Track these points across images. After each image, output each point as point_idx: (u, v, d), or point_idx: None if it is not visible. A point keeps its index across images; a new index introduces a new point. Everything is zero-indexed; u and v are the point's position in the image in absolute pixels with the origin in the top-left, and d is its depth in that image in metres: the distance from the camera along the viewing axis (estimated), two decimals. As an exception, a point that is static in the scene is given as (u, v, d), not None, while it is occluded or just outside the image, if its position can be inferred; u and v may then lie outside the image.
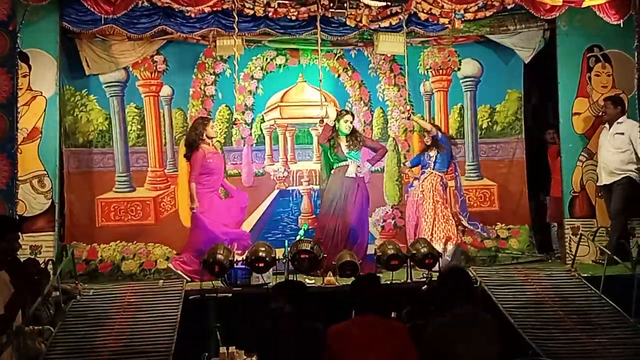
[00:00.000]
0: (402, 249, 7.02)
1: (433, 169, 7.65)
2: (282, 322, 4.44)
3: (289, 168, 8.67)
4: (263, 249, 6.75)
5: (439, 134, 7.72)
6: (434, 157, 7.63)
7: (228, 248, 6.93)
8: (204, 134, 7.34)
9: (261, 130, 8.68)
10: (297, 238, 7.27)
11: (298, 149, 8.74)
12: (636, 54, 7.50)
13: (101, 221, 8.16)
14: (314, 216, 8.42)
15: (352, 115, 7.55)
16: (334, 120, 7.67)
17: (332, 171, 7.51)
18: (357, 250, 7.32)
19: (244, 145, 8.59)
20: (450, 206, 7.70)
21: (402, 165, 8.65)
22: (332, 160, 7.55)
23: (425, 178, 7.60)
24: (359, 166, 7.48)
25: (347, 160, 7.47)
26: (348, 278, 6.49)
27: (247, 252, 6.82)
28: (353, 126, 7.58)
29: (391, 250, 6.84)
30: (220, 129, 8.49)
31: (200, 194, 7.33)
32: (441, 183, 7.61)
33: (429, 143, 7.71)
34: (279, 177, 8.71)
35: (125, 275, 7.83)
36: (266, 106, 8.67)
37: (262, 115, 8.64)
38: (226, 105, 8.54)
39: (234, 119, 8.32)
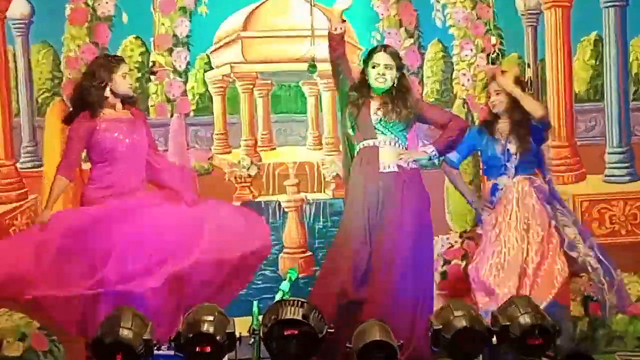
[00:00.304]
0: (479, 317, 4.47)
1: (514, 173, 5.33)
2: None
3: (259, 159, 6.34)
4: (209, 318, 4.39)
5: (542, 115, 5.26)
6: (516, 152, 5.29)
7: (141, 316, 4.37)
8: (108, 88, 5.05)
9: (205, 86, 6.34)
10: (278, 297, 4.75)
11: (278, 122, 6.45)
12: None
13: None
14: (308, 254, 6.29)
15: (397, 55, 5.24)
16: (359, 64, 5.48)
17: (354, 160, 5.24)
18: (399, 316, 4.95)
19: (170, 116, 6.19)
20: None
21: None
22: (350, 137, 5.27)
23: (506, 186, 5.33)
24: (402, 153, 5.09)
25: (377, 137, 5.09)
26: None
27: (182, 322, 4.48)
28: (399, 76, 5.18)
29: (462, 321, 4.33)
30: (126, 82, 6.09)
31: (87, 197, 5.08)
32: (538, 192, 5.31)
33: (501, 111, 5.33)
34: (242, 176, 6.31)
35: None
36: (215, 39, 6.31)
37: (207, 57, 6.32)
38: (136, 38, 6.12)
39: (150, 64, 6.09)
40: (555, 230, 5.32)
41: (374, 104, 5.15)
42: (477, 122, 6.10)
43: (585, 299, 5.85)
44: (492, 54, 6.06)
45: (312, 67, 5.90)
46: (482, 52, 6.20)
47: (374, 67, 5.06)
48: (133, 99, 5.22)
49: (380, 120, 5.09)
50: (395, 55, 5.16)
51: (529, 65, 6.27)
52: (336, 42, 5.13)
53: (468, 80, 6.29)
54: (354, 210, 5.15)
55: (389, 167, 5.11)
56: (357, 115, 5.12)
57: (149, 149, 5.18)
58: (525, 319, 4.37)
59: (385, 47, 5.26)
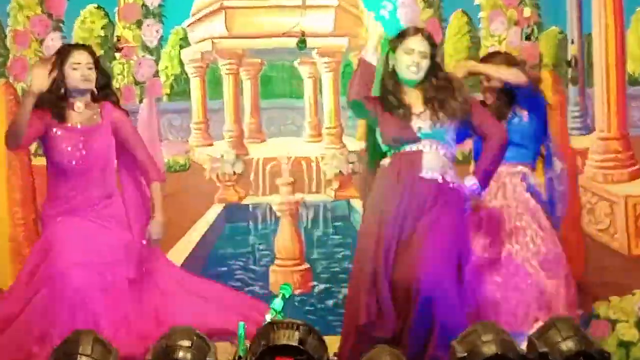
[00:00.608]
0: (512, 342, 3.96)
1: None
2: None
3: (246, 154, 6.00)
4: (186, 343, 3.94)
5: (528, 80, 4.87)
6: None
7: (103, 341, 3.79)
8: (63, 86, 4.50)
9: (181, 65, 6.09)
10: (269, 317, 4.18)
11: (269, 109, 6.17)
12: None
13: None
14: (304, 267, 5.88)
15: (433, 41, 4.56)
16: (382, 48, 4.74)
17: (383, 162, 4.58)
18: (416, 342, 4.40)
19: (139, 101, 5.68)
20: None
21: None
22: (378, 142, 4.67)
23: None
24: (446, 160, 4.53)
25: (420, 140, 4.48)
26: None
27: (152, 347, 3.93)
28: (433, 65, 4.57)
29: (492, 347, 3.90)
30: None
31: (44, 216, 4.54)
32: (527, 188, 4.89)
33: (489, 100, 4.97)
34: (225, 174, 5.91)
35: None
36: (192, 9, 6.00)
37: (184, 31, 6.02)
38: (98, 7, 5.74)
39: (114, 40, 5.60)
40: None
41: (413, 100, 4.64)
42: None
43: None
44: (527, 28, 5.56)
45: (302, 42, 5.53)
46: (515, 25, 5.62)
47: (412, 53, 4.51)
48: (106, 93, 4.69)
49: (434, 122, 4.62)
50: (431, 42, 4.64)
51: (572, 42, 5.89)
52: (358, 81, 4.68)
53: (499, 62, 5.89)
54: (377, 219, 4.65)
55: (430, 172, 4.60)
56: (392, 117, 4.66)
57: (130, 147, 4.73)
58: (567, 345, 3.92)
59: (421, 31, 4.71)
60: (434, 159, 4.56)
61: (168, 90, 6.00)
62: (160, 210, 4.74)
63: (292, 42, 5.80)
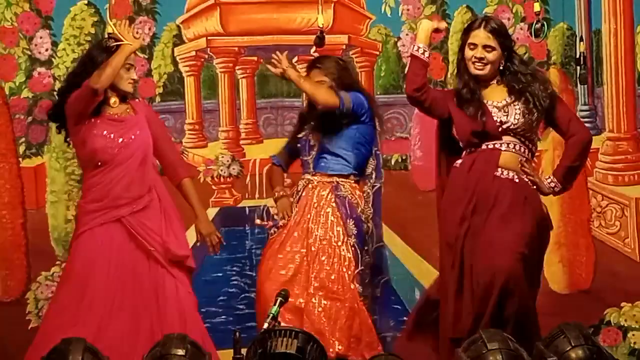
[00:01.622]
0: (518, 350, 3.91)
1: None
2: None
3: (242, 155, 5.87)
4: (180, 351, 3.90)
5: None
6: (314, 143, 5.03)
7: (94, 349, 3.75)
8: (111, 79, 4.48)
9: (174, 64, 5.86)
10: (266, 322, 3.96)
11: (266, 109, 5.94)
12: None
13: None
14: None
15: (501, 30, 4.54)
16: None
17: (456, 163, 4.63)
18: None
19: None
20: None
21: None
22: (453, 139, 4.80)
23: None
24: (523, 158, 4.52)
25: (500, 138, 4.51)
26: None
27: (146, 356, 3.82)
28: (509, 57, 4.54)
29: (497, 356, 3.81)
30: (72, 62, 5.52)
31: (81, 212, 4.62)
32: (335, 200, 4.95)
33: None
34: (221, 176, 5.83)
35: None
36: (186, 5, 5.81)
37: (178, 27, 5.81)
38: (88, 4, 5.55)
39: (105, 37, 5.14)
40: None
41: (495, 93, 4.64)
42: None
43: None
44: (536, 24, 5.39)
45: (320, 39, 5.35)
46: (522, 21, 5.72)
47: (470, 50, 4.50)
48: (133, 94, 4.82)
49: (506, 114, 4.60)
50: (500, 32, 4.58)
51: (581, 39, 5.74)
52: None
53: (502, 56, 5.68)
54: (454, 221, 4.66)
55: (507, 174, 4.60)
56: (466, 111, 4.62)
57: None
58: (577, 353, 3.81)
59: (487, 21, 4.67)
60: (511, 157, 4.53)
61: (160, 90, 5.85)
62: (199, 205, 4.73)
63: (290, 39, 5.75)
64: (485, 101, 4.56)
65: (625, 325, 5.63)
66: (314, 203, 4.96)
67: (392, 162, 6.20)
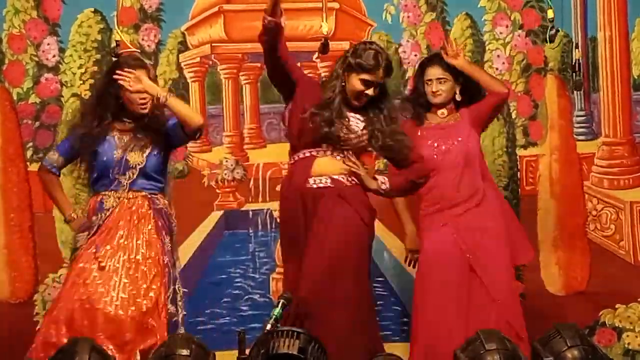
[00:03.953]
0: (516, 351, 4.08)
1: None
2: None
3: (246, 159, 5.87)
4: (184, 352, 4.05)
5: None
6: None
7: (100, 349, 3.98)
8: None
9: (179, 70, 5.85)
10: (269, 324, 4.06)
11: (270, 114, 5.97)
12: None
13: None
14: None
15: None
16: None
17: None
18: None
19: None
20: None
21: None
22: None
23: None
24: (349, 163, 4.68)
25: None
26: None
27: (151, 356, 4.14)
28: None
29: (495, 356, 4.07)
30: (79, 68, 5.60)
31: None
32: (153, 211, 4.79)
33: None
34: (225, 180, 5.81)
35: None
36: (191, 13, 5.80)
37: (183, 34, 5.85)
38: (95, 12, 5.59)
39: (113, 45, 5.41)
40: None
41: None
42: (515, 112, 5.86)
43: None
44: (550, 30, 5.48)
45: (325, 46, 5.33)
46: (520, 29, 5.72)
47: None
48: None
49: None
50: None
51: (577, 46, 5.67)
52: None
53: (503, 63, 5.74)
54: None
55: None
56: None
57: None
58: (573, 353, 3.93)
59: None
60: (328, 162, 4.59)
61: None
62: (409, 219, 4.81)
63: (293, 46, 5.43)
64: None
65: (620, 326, 5.63)
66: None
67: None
